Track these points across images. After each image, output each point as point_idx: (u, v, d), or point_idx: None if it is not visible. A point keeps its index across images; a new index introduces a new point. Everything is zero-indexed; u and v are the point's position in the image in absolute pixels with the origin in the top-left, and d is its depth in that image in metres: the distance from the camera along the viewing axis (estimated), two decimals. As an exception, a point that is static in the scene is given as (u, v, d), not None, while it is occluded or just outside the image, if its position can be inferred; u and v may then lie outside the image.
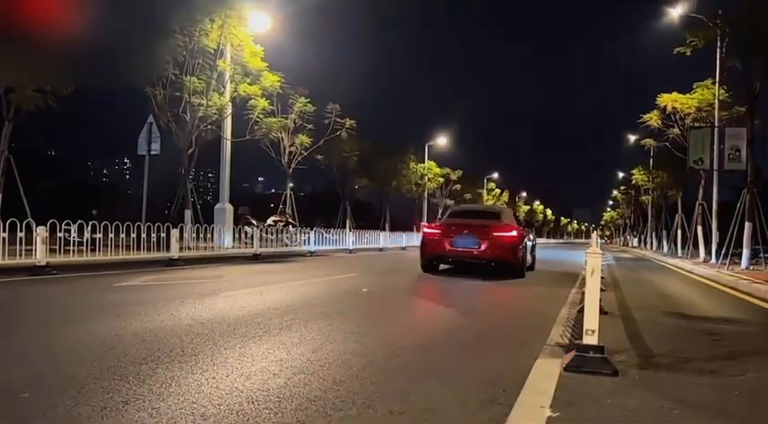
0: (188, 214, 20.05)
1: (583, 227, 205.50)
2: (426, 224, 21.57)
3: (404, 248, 35.08)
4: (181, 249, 16.02)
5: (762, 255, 18.56)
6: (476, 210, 17.48)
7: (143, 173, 20.65)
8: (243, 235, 21.73)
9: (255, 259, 18.53)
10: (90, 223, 13.68)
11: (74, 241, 13.41)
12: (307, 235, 24.44)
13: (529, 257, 15.56)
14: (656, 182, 39.51)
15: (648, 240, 48.88)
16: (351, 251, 26.75)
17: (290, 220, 25.79)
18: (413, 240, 38.09)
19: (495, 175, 71.69)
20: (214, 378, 4.26)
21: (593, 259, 5.07)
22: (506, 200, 74.71)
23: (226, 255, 18.37)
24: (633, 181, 46.25)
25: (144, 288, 9.81)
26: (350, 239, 28.03)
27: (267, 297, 8.90)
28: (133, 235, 14.56)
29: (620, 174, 63.91)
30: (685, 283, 14.81)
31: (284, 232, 23.62)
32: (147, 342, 5.41)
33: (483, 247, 13.55)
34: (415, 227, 46.09)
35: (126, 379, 4.16)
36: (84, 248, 13.55)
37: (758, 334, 7.13)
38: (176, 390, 3.94)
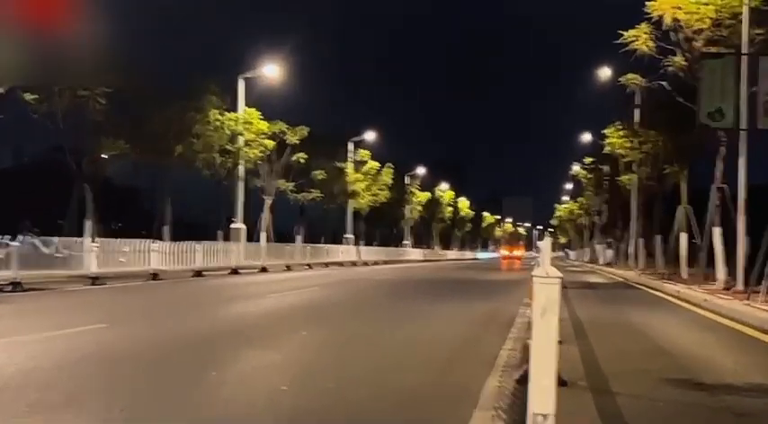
0: None
1: (521, 230, 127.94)
2: (501, 246, 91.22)
3: (200, 273, 20.49)
4: None
5: None
6: (511, 239, 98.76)
7: None
8: None
9: None
10: None
11: None
12: (4, 252, 14.64)
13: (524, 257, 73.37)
14: (647, 150, 24.43)
15: (632, 251, 31.01)
16: (94, 281, 16.04)
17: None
18: (218, 256, 22.61)
19: (369, 136, 42.03)
20: None
21: (544, 288, 3.53)
22: (389, 181, 44.60)
23: None
24: (607, 148, 28.33)
25: None
26: (92, 257, 16.61)
27: None
28: None
29: (586, 137, 41.09)
30: (695, 326, 10.70)
31: None
32: None
33: (514, 253, 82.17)
34: (221, 233, 27.49)
35: None
36: None
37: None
38: None
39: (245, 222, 27.51)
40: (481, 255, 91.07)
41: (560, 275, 3.69)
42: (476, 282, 22.04)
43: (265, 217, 30.89)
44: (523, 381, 4.29)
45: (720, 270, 15.52)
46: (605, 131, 27.35)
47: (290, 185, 32.70)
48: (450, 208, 70.29)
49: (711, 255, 16.32)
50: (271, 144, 28.44)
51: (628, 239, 32.69)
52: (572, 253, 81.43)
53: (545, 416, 3.39)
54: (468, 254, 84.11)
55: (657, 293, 16.93)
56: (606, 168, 37.08)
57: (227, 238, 26.58)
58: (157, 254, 18.94)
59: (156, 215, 26.14)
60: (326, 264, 32.43)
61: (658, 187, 26.18)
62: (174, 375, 5.94)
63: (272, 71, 27.50)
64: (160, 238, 22.47)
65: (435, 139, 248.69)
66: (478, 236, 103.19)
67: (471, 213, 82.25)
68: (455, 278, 24.31)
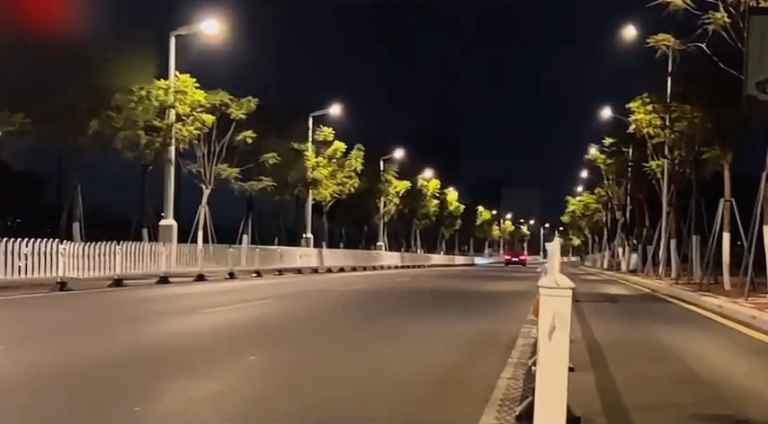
0: None
1: (525, 230, 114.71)
2: (504, 252, 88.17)
3: (120, 282, 17.13)
4: None
5: None
6: (515, 251, 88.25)
7: None
8: None
9: None
10: None
11: None
12: None
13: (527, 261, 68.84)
14: (681, 128, 20.87)
15: (663, 255, 25.83)
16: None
17: None
18: (143, 261, 18.78)
19: (335, 110, 35.03)
20: None
21: (552, 302, 3.32)
22: (359, 167, 37.27)
23: None
24: (631, 127, 24.86)
25: None
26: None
27: None
28: None
29: (605, 113, 34.51)
30: (740, 349, 9.08)
31: None
32: None
33: (517, 259, 67.23)
34: (147, 231, 23.96)
35: None
36: None
37: None
38: None
39: (177, 217, 22.99)
40: (480, 260, 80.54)
41: (572, 285, 3.43)
42: (468, 294, 19.11)
43: (203, 212, 25.29)
44: (526, 417, 4.02)
45: (772, 279, 13.22)
46: (630, 105, 23.64)
47: (235, 171, 25.94)
48: (436, 201, 57.89)
49: (760, 260, 13.89)
50: (210, 119, 23.19)
51: (657, 240, 27.42)
52: (587, 258, 72.00)
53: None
54: (459, 259, 72.16)
55: (693, 308, 14.65)
56: (630, 152, 31.38)
57: (155, 238, 22.35)
58: (66, 258, 15.57)
59: (64, 208, 21.22)
60: (280, 271, 26.99)
61: (694, 173, 21.31)
62: (85, 412, 4.80)
63: (212, 28, 22.15)
64: (70, 238, 18.77)
65: (418, 115, 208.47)
66: (471, 236, 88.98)
67: (462, 207, 68.72)
68: (442, 289, 21.06)
